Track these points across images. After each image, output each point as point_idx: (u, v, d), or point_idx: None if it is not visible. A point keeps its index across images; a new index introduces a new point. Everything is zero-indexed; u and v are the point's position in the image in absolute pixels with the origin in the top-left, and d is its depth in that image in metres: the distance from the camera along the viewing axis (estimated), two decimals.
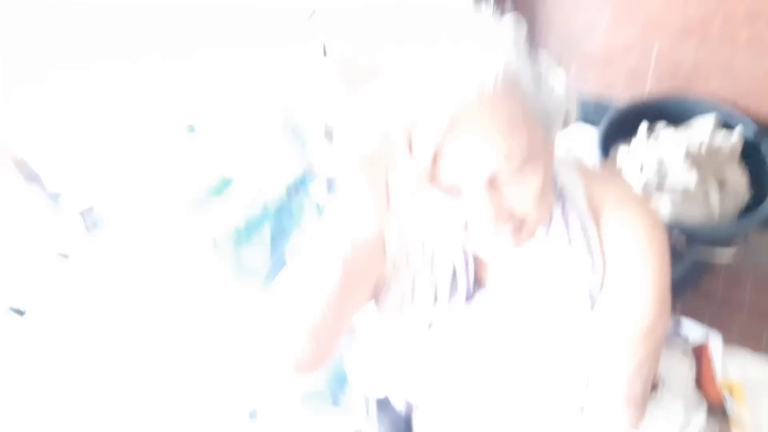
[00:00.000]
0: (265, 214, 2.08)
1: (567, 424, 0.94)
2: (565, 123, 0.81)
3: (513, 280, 0.87)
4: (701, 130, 1.54)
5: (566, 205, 0.83)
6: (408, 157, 0.67)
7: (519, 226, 0.72)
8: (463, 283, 0.88)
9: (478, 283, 0.91)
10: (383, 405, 1.16)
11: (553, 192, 0.83)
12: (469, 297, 0.89)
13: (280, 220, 2.08)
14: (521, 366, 0.91)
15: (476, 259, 0.89)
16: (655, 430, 1.08)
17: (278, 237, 2.03)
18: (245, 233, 2.05)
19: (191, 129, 2.02)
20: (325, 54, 2.12)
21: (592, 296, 0.83)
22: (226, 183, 1.97)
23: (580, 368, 0.88)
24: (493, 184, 0.68)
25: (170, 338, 2.00)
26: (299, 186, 2.16)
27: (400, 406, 1.11)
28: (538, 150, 0.70)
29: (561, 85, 0.73)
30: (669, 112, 1.62)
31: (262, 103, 2.08)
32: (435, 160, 0.67)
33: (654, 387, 0.97)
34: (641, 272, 0.81)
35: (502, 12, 0.72)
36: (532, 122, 0.69)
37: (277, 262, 1.95)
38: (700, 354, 1.42)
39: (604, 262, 0.82)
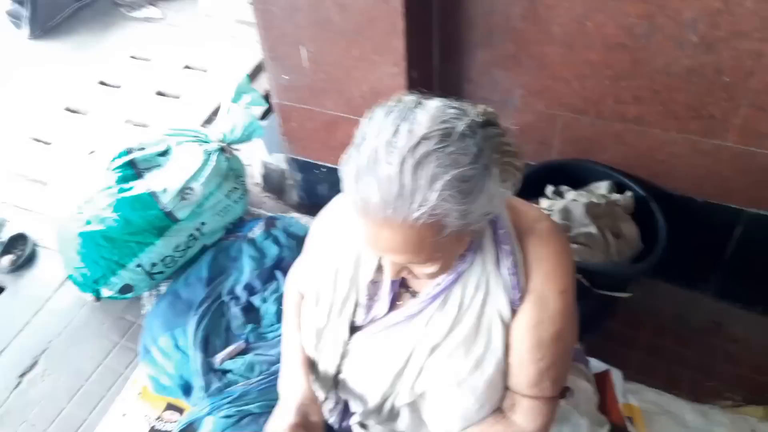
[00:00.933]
0: (204, 252, 2.14)
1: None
2: None
3: (437, 299, 1.00)
4: (599, 190, 1.81)
5: (497, 230, 0.97)
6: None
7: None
8: (386, 295, 1.04)
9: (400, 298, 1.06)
10: None
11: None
12: (390, 308, 1.05)
13: (217, 258, 2.14)
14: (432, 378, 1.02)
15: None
16: None
17: (214, 274, 2.08)
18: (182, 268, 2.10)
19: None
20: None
21: (509, 315, 0.97)
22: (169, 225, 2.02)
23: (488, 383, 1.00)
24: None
25: None
26: (237, 227, 2.23)
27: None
28: (444, 251, 0.86)
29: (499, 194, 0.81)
30: (571, 175, 1.87)
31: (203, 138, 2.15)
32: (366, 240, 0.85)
33: (563, 396, 1.07)
34: (554, 285, 0.95)
35: (431, 93, 0.82)
36: (443, 240, 0.81)
37: (213, 296, 2.00)
38: (603, 381, 1.59)
39: (528, 276, 0.96)
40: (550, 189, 1.85)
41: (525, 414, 1.02)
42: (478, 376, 0.99)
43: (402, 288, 1.06)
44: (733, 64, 1.54)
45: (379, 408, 1.12)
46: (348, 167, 0.79)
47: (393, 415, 1.13)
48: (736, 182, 1.76)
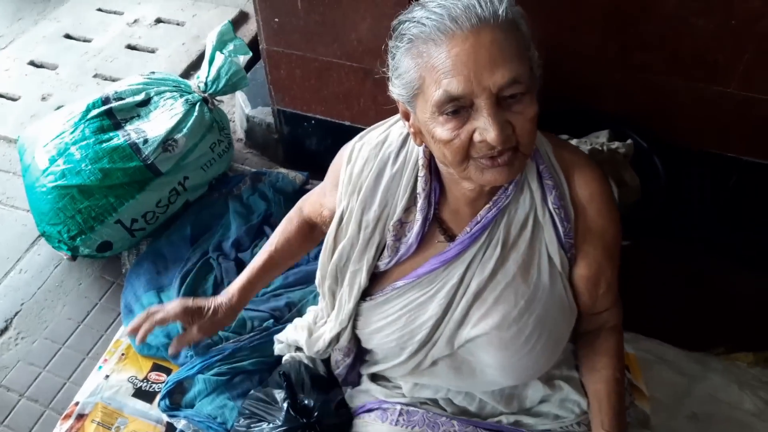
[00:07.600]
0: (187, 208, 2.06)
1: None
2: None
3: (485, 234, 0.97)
4: (599, 139, 1.77)
5: (540, 163, 0.95)
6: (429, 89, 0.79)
7: (514, 155, 0.83)
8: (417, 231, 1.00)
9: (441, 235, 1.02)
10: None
11: None
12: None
13: (201, 215, 2.05)
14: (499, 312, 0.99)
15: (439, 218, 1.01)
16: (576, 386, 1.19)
17: (198, 231, 2.01)
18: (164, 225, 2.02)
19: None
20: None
21: (566, 244, 0.97)
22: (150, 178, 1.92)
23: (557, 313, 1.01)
24: (499, 103, 0.79)
25: None
26: (221, 183, 2.14)
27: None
28: (533, 87, 0.82)
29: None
30: (570, 124, 1.83)
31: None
32: (454, 72, 0.77)
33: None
34: (610, 214, 0.97)
35: None
36: (529, 62, 0.81)
37: (198, 254, 1.92)
38: None
39: (578, 210, 0.96)
40: None
41: (614, 315, 1.14)
42: (527, 316, 0.96)
43: (437, 228, 1.01)
44: (742, 7, 1.51)
45: (408, 361, 1.07)
46: (413, 14, 0.81)
47: (422, 369, 1.08)
48: (735, 131, 1.75)
